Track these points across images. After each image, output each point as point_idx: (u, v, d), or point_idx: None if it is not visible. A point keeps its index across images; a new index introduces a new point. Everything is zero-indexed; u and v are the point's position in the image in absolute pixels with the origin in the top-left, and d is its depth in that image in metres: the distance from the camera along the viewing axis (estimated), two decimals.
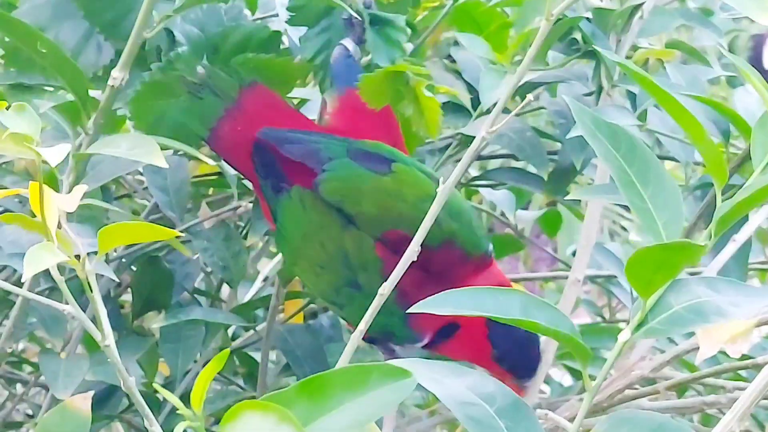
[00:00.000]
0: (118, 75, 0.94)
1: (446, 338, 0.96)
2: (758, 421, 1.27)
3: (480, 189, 1.42)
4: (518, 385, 0.96)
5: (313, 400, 0.54)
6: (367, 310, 0.76)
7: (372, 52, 0.98)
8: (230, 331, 1.26)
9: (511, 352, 0.96)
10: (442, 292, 0.66)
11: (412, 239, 0.78)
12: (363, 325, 0.76)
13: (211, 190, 1.26)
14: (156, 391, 1.19)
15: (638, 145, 0.68)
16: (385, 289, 0.76)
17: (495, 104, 0.91)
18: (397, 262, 0.77)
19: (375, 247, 0.94)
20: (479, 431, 0.65)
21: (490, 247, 0.98)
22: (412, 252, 0.77)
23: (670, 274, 0.65)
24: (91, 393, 0.78)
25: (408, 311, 0.66)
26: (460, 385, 0.67)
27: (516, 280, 1.36)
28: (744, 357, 1.16)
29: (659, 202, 0.68)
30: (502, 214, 1.46)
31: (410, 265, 0.78)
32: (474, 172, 1.38)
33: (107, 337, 0.64)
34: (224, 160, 1.04)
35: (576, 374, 1.42)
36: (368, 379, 0.54)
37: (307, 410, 0.53)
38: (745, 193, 0.65)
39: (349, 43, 0.99)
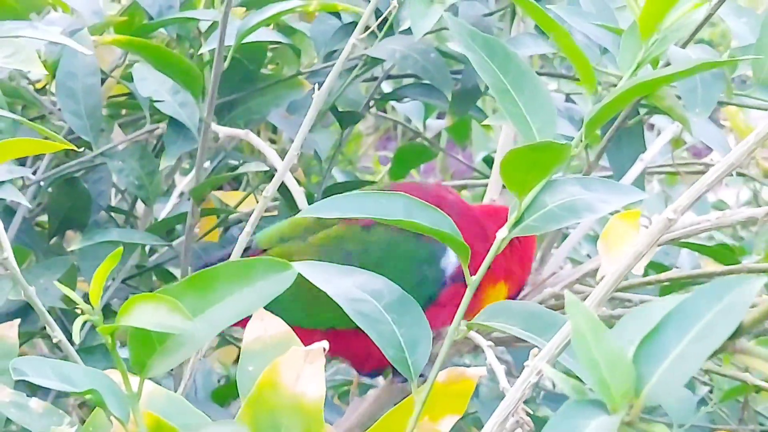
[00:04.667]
0: None
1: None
2: None
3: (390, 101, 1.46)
4: None
5: (201, 293, 0.58)
6: None
7: None
8: (147, 247, 1.29)
9: None
10: (330, 197, 0.70)
11: None
12: None
13: (123, 111, 1.29)
14: (75, 307, 1.23)
15: (512, 55, 0.72)
16: (269, 192, 0.80)
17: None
18: None
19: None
20: (368, 325, 0.70)
21: None
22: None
23: (542, 174, 0.69)
24: (17, 321, 0.82)
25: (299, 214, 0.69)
26: (349, 283, 0.71)
27: None
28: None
29: (533, 108, 0.72)
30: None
31: None
32: (388, 88, 1.42)
33: (5, 250, 0.68)
34: None
35: None
36: (252, 273, 0.58)
37: (196, 302, 0.58)
38: (610, 97, 0.69)
39: None
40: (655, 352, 0.47)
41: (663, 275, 1.03)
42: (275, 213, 1.29)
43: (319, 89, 0.98)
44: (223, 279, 0.58)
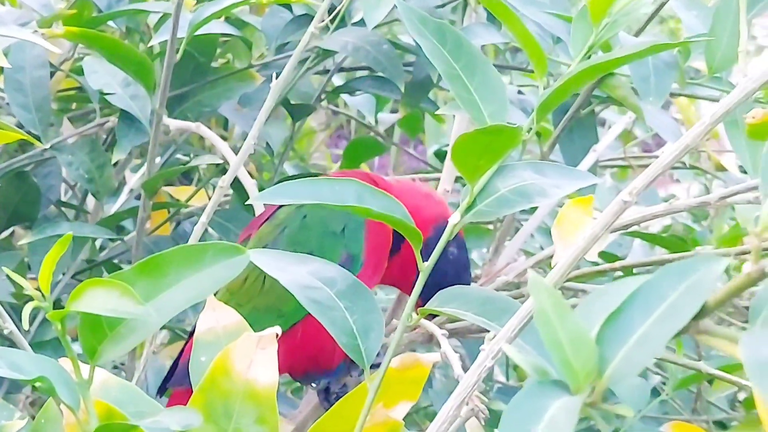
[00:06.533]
0: None
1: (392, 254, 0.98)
2: None
3: (341, 95, 1.45)
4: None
5: (152, 278, 0.57)
6: None
7: None
8: (97, 243, 1.28)
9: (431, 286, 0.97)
10: (282, 183, 0.69)
11: None
12: None
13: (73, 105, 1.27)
14: (26, 302, 1.22)
15: (464, 41, 0.72)
16: (225, 182, 0.80)
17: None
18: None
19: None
20: (320, 312, 0.70)
21: None
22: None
23: (494, 159, 0.69)
24: None
25: (250, 200, 0.69)
26: (302, 271, 0.71)
27: None
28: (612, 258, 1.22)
29: (485, 94, 0.72)
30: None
31: None
32: (339, 82, 1.42)
33: None
34: None
35: None
36: (204, 257, 0.58)
37: (148, 287, 0.57)
38: (562, 80, 0.69)
39: None
40: (618, 332, 0.47)
41: (617, 263, 1.04)
42: (227, 207, 1.28)
43: (275, 79, 0.98)
44: (174, 264, 0.58)
